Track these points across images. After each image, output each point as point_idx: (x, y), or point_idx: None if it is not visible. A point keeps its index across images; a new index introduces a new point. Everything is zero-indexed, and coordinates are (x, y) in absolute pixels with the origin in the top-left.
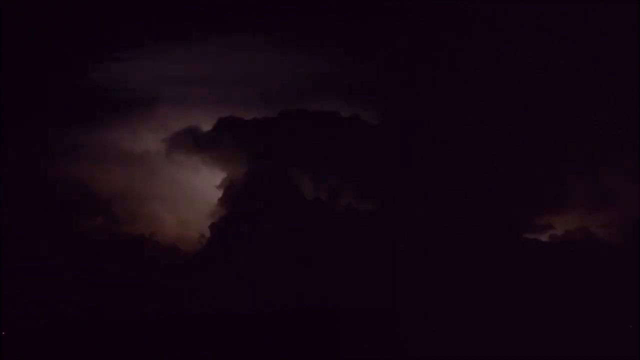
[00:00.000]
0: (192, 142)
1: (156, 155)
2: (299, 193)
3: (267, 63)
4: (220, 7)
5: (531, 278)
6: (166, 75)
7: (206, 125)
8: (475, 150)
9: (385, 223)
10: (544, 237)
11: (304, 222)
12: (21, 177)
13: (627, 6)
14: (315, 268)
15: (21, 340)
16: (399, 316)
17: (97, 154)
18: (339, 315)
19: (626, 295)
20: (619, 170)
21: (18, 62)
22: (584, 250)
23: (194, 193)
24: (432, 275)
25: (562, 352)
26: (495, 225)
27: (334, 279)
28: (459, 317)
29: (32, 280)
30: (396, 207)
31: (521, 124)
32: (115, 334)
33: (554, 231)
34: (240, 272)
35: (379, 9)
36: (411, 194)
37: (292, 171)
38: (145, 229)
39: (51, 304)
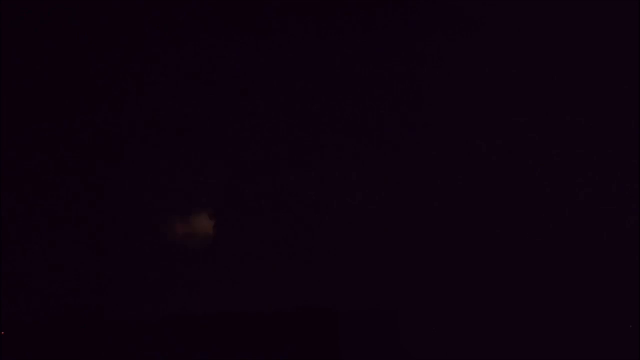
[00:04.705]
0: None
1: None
2: (299, 191)
3: (260, 60)
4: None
5: (531, 277)
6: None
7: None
8: (475, 150)
9: (384, 223)
10: (544, 237)
11: (305, 220)
12: (22, 173)
13: (627, 6)
14: (315, 268)
15: (21, 340)
16: (399, 316)
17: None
18: (339, 315)
19: (626, 295)
20: (619, 170)
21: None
22: (584, 249)
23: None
24: (432, 275)
25: (561, 351)
26: (495, 224)
27: (334, 279)
28: (459, 317)
29: (32, 279)
30: (396, 206)
31: (521, 123)
32: (115, 333)
33: (553, 230)
34: (240, 271)
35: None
36: (411, 193)
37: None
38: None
39: (52, 304)
